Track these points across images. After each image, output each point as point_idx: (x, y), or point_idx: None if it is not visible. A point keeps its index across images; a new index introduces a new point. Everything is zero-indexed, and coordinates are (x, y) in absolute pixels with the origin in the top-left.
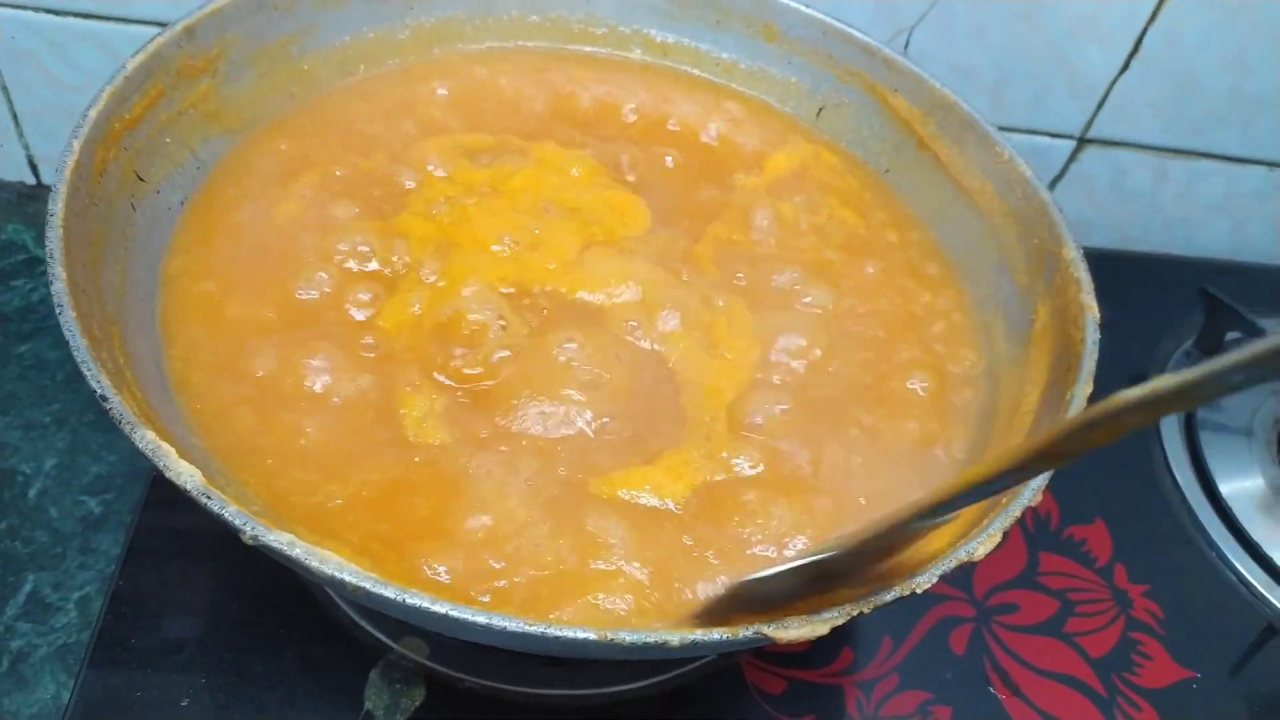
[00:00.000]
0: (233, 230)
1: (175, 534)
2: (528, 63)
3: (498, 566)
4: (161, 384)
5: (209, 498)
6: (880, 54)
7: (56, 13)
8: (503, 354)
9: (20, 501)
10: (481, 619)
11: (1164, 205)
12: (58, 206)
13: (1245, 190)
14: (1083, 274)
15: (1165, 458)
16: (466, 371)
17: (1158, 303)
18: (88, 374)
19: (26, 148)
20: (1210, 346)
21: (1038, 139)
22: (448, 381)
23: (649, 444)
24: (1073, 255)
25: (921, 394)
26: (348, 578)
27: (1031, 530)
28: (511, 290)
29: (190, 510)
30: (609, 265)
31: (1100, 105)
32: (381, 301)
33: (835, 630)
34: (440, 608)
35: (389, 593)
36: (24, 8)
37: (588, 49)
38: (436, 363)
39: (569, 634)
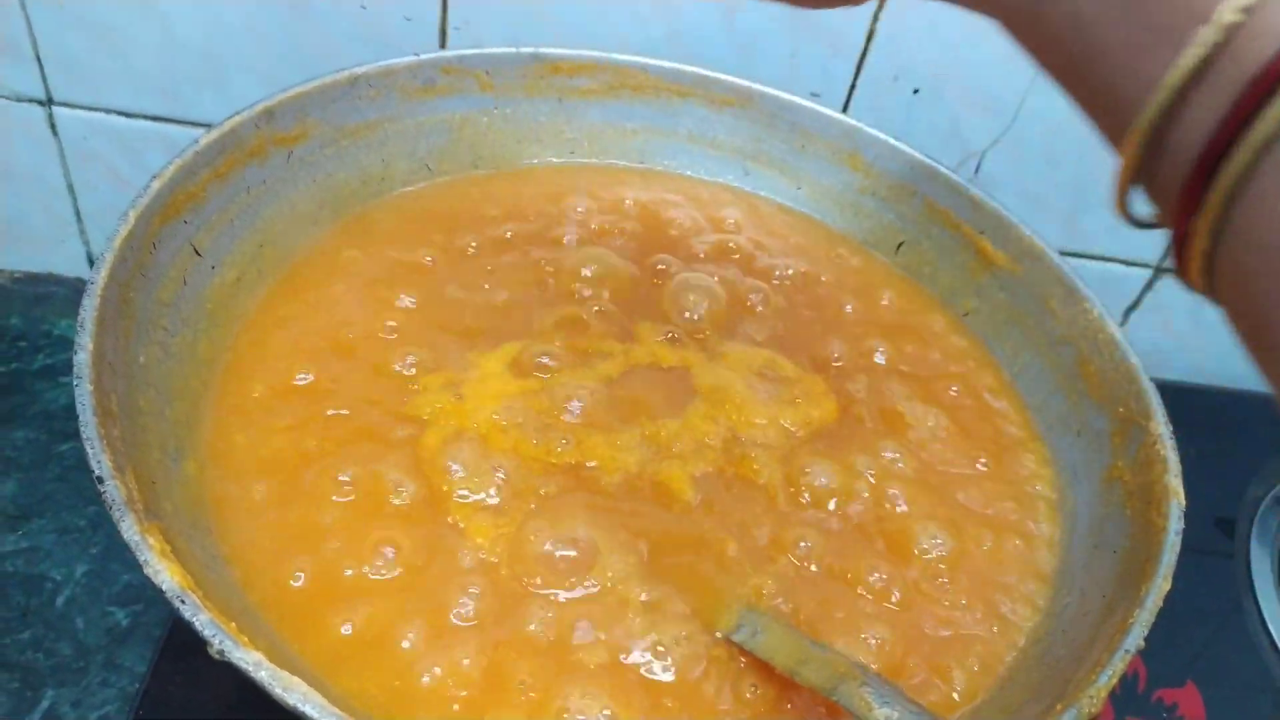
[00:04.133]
0: (287, 329)
1: (204, 654)
2: (604, 179)
3: None
4: (186, 477)
5: (183, 601)
6: (967, 193)
7: (127, 115)
8: None
9: (46, 610)
10: None
11: None
12: (100, 275)
13: None
14: (1170, 453)
15: (1260, 613)
16: None
17: (1242, 441)
18: (90, 451)
19: (87, 244)
20: None
21: (1112, 266)
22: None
23: None
24: (1161, 430)
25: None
26: (310, 711)
27: (1118, 693)
28: None
29: None
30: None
31: None
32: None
33: None
34: None
35: None
36: (95, 109)
37: (665, 163)
38: None
39: None
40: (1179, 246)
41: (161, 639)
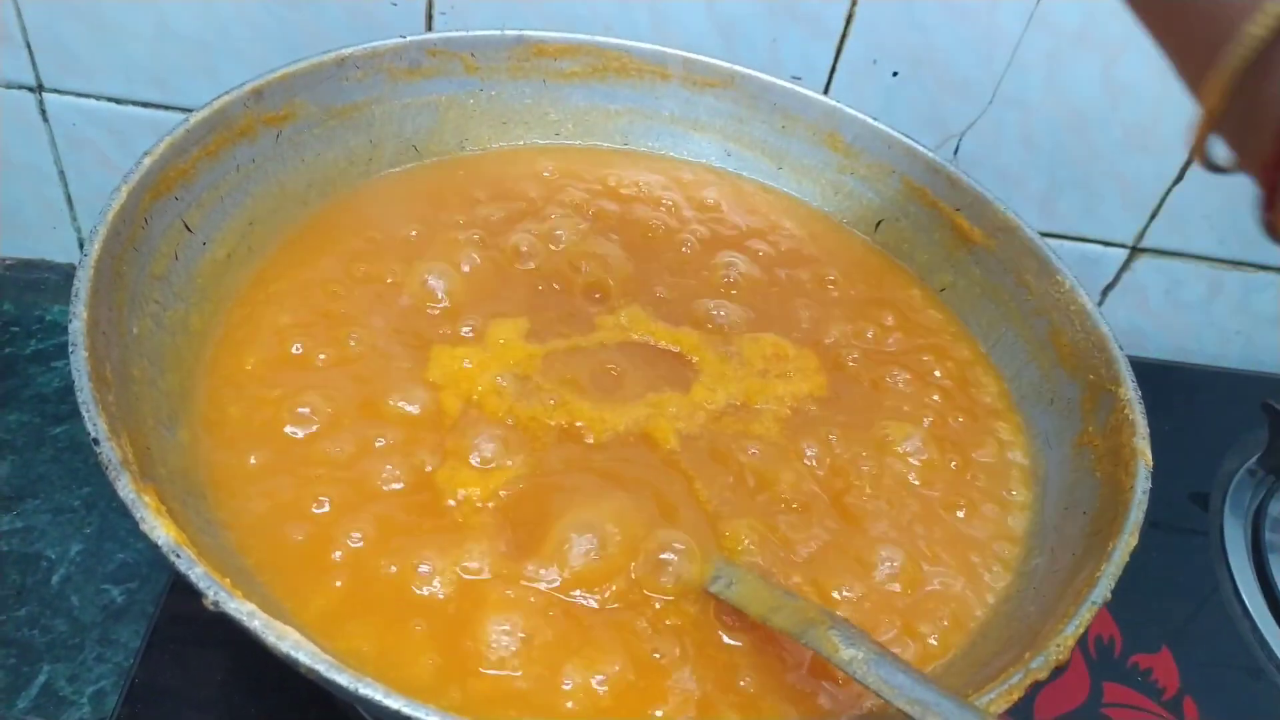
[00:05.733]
0: (278, 304)
1: (196, 628)
2: (588, 160)
3: None
4: (180, 445)
5: (178, 556)
6: (945, 171)
7: (118, 101)
8: None
9: (43, 588)
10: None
11: (1219, 317)
12: (93, 248)
13: None
14: (1139, 417)
15: (1233, 582)
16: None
17: (1217, 417)
18: (85, 414)
19: (78, 231)
20: (1276, 465)
21: (1089, 247)
22: None
23: None
24: (1129, 396)
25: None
26: (302, 658)
27: (1095, 657)
28: None
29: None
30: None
31: (1154, 215)
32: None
33: None
34: (392, 702)
35: (342, 679)
36: (87, 95)
37: (648, 145)
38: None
39: None
40: (1269, 196)
41: (155, 615)
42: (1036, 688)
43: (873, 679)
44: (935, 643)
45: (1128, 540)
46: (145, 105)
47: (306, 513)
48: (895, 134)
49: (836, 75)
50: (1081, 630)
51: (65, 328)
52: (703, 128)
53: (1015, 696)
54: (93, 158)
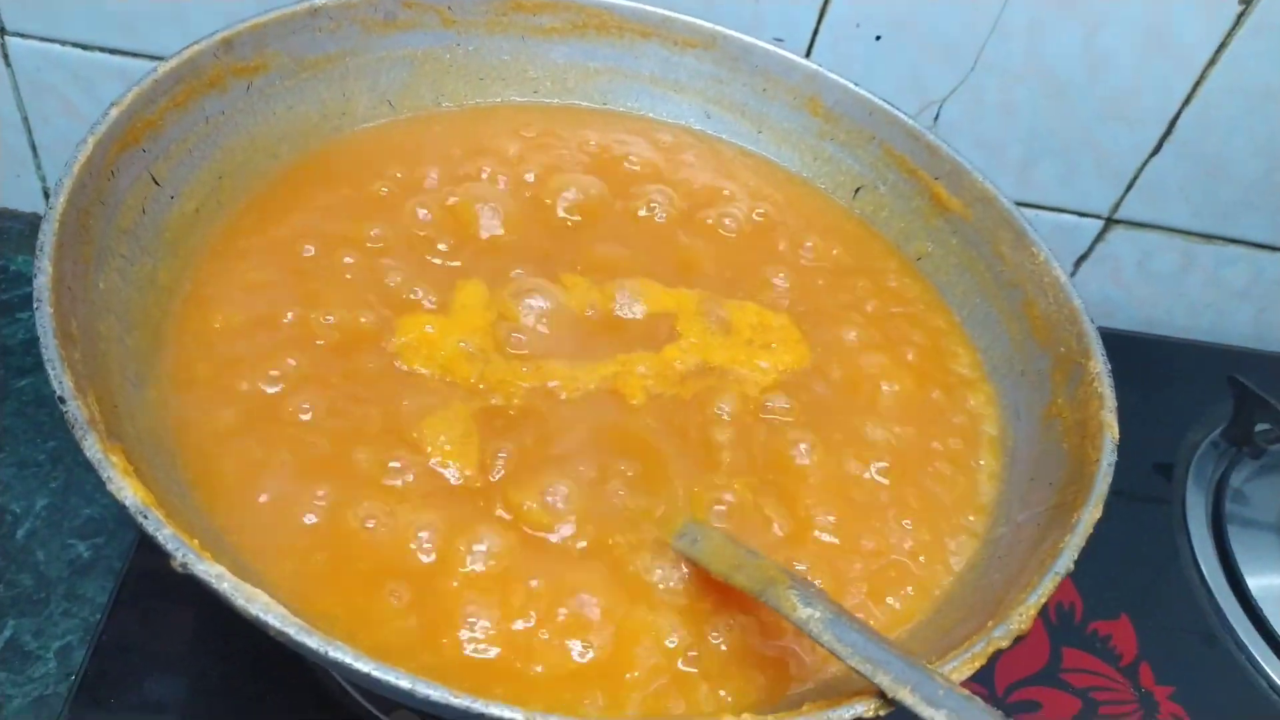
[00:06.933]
0: (247, 260)
1: (165, 586)
2: (566, 119)
3: None
4: (148, 403)
5: (145, 516)
6: (924, 139)
7: (84, 47)
8: None
9: (7, 542)
10: (405, 683)
11: (1190, 290)
12: (58, 200)
13: (1271, 278)
14: (1107, 390)
15: (1192, 552)
16: None
17: (1183, 389)
18: (51, 372)
19: (43, 180)
20: (1239, 437)
21: (1064, 217)
22: None
23: None
24: (1099, 369)
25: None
26: (272, 620)
27: (1055, 623)
28: None
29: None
30: None
31: (1129, 186)
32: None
33: None
34: (363, 665)
35: (311, 642)
36: (51, 40)
37: (627, 105)
38: None
39: (508, 714)
40: None
41: (123, 571)
42: (997, 654)
43: (827, 638)
44: (899, 608)
45: (1092, 513)
46: (111, 52)
47: (275, 473)
48: (876, 100)
49: (819, 38)
50: (1044, 600)
51: (30, 279)
52: (683, 89)
53: (978, 664)
54: (57, 104)
